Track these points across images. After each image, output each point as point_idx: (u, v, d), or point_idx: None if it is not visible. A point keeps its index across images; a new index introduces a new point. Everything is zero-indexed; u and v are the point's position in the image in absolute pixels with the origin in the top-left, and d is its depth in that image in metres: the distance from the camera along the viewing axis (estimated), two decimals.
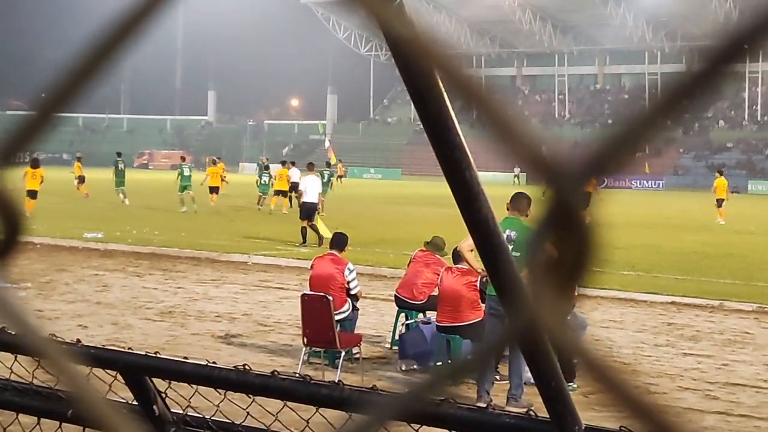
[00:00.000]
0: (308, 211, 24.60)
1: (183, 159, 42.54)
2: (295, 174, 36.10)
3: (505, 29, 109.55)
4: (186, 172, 38.05)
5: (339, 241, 12.22)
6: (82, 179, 42.71)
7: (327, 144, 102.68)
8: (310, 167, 27.23)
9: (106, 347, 2.97)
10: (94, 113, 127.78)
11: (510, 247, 9.17)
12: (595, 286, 17.26)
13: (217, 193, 40.33)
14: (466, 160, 1.32)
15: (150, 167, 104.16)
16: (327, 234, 23.80)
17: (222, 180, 41.11)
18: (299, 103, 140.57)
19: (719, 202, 38.66)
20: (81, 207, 36.57)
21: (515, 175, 80.00)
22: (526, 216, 10.56)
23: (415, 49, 1.21)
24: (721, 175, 41.01)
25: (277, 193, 37.44)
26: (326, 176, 38.27)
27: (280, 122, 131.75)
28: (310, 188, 25.30)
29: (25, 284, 16.66)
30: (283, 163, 39.84)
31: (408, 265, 13.39)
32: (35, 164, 33.27)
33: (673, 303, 16.96)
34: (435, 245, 12.99)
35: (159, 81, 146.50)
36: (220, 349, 12.22)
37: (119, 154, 43.96)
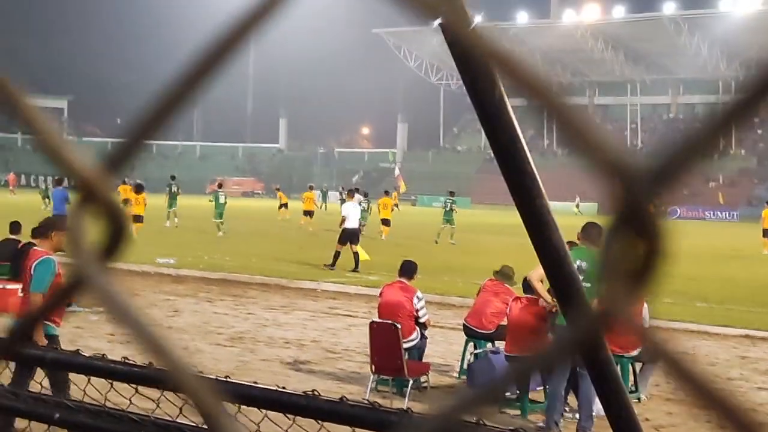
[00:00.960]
0: (349, 236, 25.64)
1: (220, 186, 43.57)
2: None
3: (577, 58, 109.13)
4: (221, 200, 39.60)
5: (408, 269, 12.21)
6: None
7: (397, 172, 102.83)
8: (350, 195, 28.83)
9: None
10: (167, 140, 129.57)
11: (581, 278, 9.11)
12: (668, 318, 17.08)
13: (311, 216, 43.80)
14: (536, 188, 1.33)
15: (356, 200, 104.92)
16: (365, 257, 24.85)
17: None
18: (370, 131, 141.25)
19: (765, 233, 38.85)
20: (155, 232, 36.99)
21: (576, 204, 79.29)
22: (599, 247, 10.47)
23: (483, 65, 1.23)
24: None
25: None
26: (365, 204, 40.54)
27: (351, 150, 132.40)
28: (352, 215, 26.55)
29: (97, 308, 16.89)
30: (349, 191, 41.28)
31: (477, 295, 13.33)
32: (139, 190, 35.47)
33: (746, 336, 16.67)
34: (504, 274, 12.91)
35: (231, 108, 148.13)
36: (289, 376, 12.26)
37: (173, 177, 45.94)
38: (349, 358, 13.75)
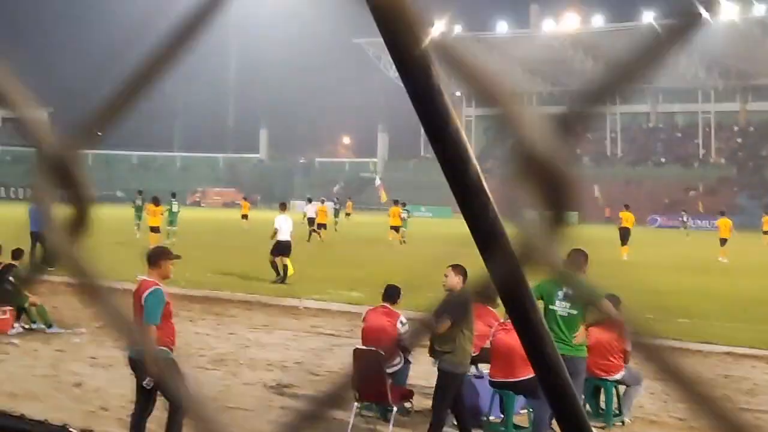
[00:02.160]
0: (283, 249, 26.18)
1: (173, 195, 45.34)
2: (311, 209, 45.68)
3: (557, 68, 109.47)
4: (174, 208, 42.57)
5: (391, 294, 12.18)
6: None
7: (378, 182, 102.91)
8: (282, 207, 29.13)
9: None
10: (148, 151, 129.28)
11: (567, 305, 9.09)
12: (650, 336, 16.97)
13: (325, 228, 46.30)
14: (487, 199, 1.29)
15: (202, 205, 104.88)
16: (292, 272, 25.64)
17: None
18: (350, 141, 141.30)
19: (722, 242, 40.28)
20: (136, 248, 36.82)
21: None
22: (584, 273, 10.47)
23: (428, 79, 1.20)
24: (723, 215, 43.46)
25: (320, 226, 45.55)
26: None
27: (332, 160, 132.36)
28: (284, 227, 26.90)
29: (79, 329, 16.79)
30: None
31: None
32: (156, 202, 37.86)
33: (729, 353, 16.68)
34: (486, 296, 12.80)
35: (212, 119, 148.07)
36: (272, 400, 12.20)
37: (140, 192, 49.16)
38: (332, 380, 13.67)
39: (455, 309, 9.93)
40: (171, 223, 41.47)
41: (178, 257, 10.17)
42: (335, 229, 50.35)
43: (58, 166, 0.78)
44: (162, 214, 37.41)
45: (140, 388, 9.67)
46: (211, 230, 50.42)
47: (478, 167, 1.29)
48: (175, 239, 38.73)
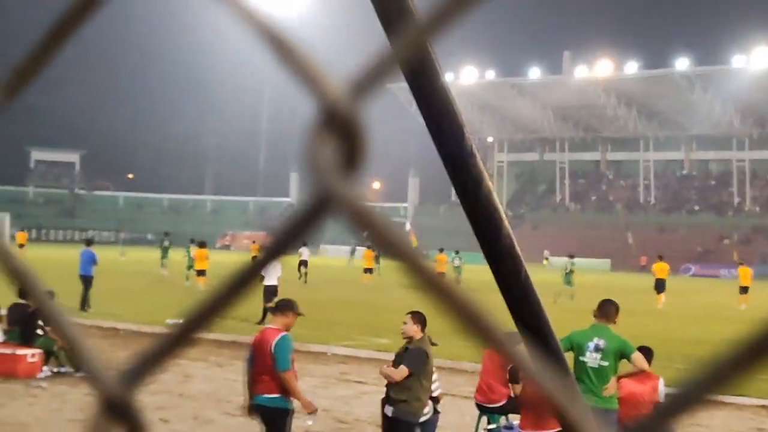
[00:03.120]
0: (270, 294, 25.91)
1: (192, 241, 45.86)
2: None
3: (590, 114, 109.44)
4: (192, 253, 42.97)
5: None
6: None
7: (408, 227, 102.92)
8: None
9: None
10: (179, 194, 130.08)
11: (598, 356, 8.97)
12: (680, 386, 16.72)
13: (370, 273, 49.32)
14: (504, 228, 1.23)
15: (232, 248, 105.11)
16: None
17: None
18: (381, 185, 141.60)
19: (742, 290, 41.07)
20: (164, 290, 36.89)
21: (545, 258, 79.06)
22: (614, 323, 10.36)
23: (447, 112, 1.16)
24: (741, 264, 44.76)
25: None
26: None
27: None
28: (271, 272, 26.43)
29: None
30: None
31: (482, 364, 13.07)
32: (202, 245, 38.65)
33: (763, 406, 16.39)
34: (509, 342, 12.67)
35: (243, 162, 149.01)
36: None
37: (166, 234, 51.40)
38: (360, 429, 13.56)
39: (414, 359, 9.94)
40: (190, 267, 42.41)
41: (302, 314, 10.34)
42: (378, 274, 50.59)
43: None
44: (207, 258, 38.04)
45: None
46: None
47: (510, 230, 1.23)
48: (189, 282, 40.58)
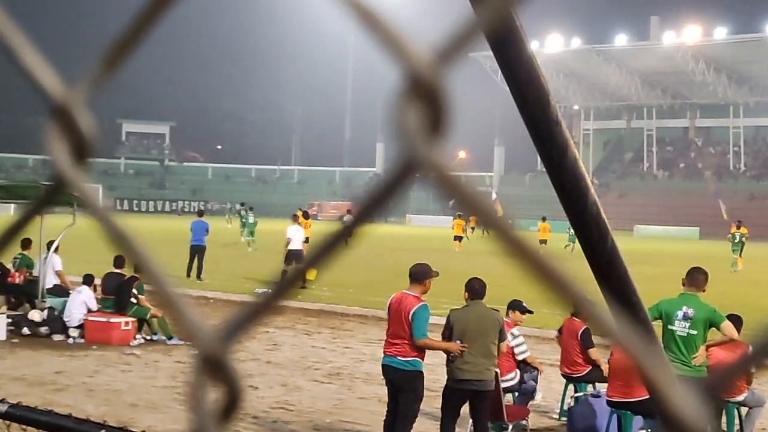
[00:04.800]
0: (293, 258, 27.23)
1: (247, 207, 49.19)
2: None
3: (678, 80, 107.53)
4: (251, 219, 45.85)
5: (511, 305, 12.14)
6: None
7: (494, 196, 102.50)
8: (295, 219, 30.23)
9: None
10: (266, 164, 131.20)
11: (687, 325, 8.87)
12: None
13: (460, 241, 50.32)
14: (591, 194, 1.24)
15: (319, 218, 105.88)
16: (311, 276, 25.53)
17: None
18: (466, 154, 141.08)
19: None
20: (253, 260, 37.34)
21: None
22: (704, 291, 10.25)
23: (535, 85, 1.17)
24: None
25: None
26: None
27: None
28: (296, 237, 28.10)
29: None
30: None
31: (559, 337, 12.99)
32: (306, 216, 38.27)
33: None
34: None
35: (329, 133, 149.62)
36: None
37: (242, 204, 54.03)
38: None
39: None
40: (251, 234, 44.35)
41: (437, 274, 10.42)
42: (467, 239, 50.98)
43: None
44: (309, 227, 39.23)
45: (391, 396, 10.34)
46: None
47: (596, 198, 1.25)
48: (254, 248, 41.81)
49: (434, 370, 15.59)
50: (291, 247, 27.63)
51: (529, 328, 19.15)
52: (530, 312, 12.21)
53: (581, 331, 11.89)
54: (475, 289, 10.35)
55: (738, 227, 43.36)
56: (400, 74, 0.67)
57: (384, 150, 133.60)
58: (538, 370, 12.25)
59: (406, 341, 9.94)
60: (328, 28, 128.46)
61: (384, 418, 10.50)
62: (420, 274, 10.17)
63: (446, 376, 10.50)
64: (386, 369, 10.26)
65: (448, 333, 10.24)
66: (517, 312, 11.99)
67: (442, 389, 10.60)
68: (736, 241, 43.20)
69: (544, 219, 50.37)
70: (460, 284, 10.83)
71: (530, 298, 23.31)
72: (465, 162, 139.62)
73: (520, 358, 11.74)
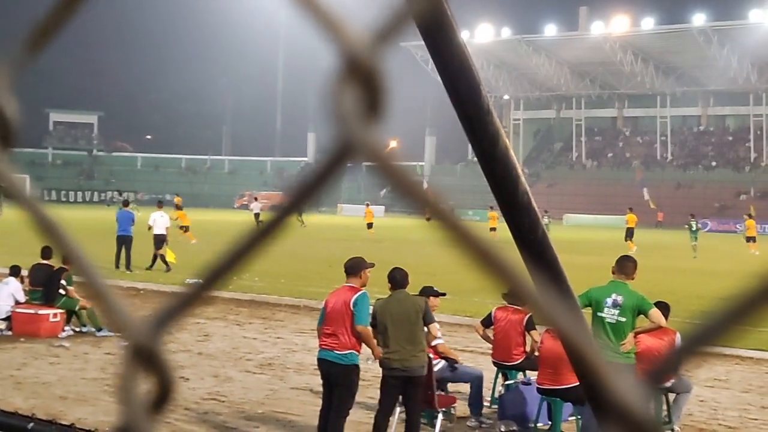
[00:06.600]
0: (159, 242, 29.38)
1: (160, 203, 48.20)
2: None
3: (606, 70, 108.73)
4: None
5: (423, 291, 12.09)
6: (186, 228, 43.15)
7: (425, 185, 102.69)
8: (159, 205, 32.23)
9: None
10: (197, 154, 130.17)
11: (616, 312, 9.01)
12: (701, 343, 16.75)
13: (371, 227, 53.08)
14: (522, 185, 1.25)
15: (251, 208, 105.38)
16: (172, 260, 28.77)
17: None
18: (397, 144, 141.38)
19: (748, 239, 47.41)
20: (183, 251, 37.05)
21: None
22: (632, 279, 10.41)
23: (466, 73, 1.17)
24: (750, 217, 50.60)
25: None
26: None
27: None
28: (159, 222, 30.12)
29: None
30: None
31: (494, 326, 12.82)
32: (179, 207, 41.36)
33: None
34: (516, 297, 12.56)
35: (260, 123, 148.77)
36: (318, 405, 12.15)
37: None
38: (378, 386, 13.61)
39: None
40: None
41: (372, 265, 10.53)
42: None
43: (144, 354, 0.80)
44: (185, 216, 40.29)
45: (327, 389, 10.47)
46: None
47: (527, 187, 1.25)
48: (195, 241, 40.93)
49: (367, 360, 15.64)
50: (156, 232, 29.59)
51: (460, 317, 19.33)
52: (443, 294, 12.18)
53: (527, 317, 11.90)
54: (396, 279, 10.45)
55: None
56: (337, 55, 0.67)
57: (315, 140, 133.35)
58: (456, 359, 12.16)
59: (344, 333, 10.02)
60: (258, 17, 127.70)
61: (318, 408, 10.52)
62: (355, 267, 10.33)
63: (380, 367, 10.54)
64: (322, 362, 10.35)
65: (373, 323, 10.29)
66: (431, 297, 11.90)
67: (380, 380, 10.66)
68: (693, 229, 47.58)
69: (491, 208, 50.90)
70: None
71: (463, 287, 23.37)
72: (396, 151, 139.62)
73: (433, 343, 11.64)
